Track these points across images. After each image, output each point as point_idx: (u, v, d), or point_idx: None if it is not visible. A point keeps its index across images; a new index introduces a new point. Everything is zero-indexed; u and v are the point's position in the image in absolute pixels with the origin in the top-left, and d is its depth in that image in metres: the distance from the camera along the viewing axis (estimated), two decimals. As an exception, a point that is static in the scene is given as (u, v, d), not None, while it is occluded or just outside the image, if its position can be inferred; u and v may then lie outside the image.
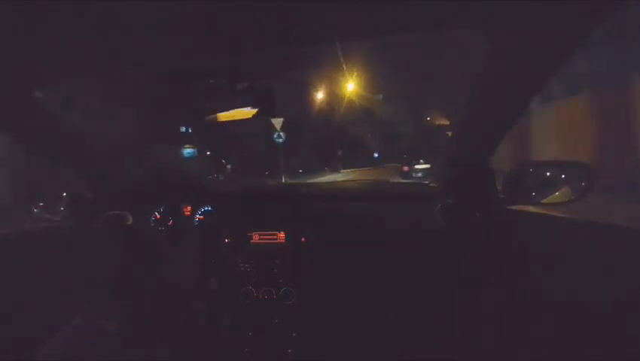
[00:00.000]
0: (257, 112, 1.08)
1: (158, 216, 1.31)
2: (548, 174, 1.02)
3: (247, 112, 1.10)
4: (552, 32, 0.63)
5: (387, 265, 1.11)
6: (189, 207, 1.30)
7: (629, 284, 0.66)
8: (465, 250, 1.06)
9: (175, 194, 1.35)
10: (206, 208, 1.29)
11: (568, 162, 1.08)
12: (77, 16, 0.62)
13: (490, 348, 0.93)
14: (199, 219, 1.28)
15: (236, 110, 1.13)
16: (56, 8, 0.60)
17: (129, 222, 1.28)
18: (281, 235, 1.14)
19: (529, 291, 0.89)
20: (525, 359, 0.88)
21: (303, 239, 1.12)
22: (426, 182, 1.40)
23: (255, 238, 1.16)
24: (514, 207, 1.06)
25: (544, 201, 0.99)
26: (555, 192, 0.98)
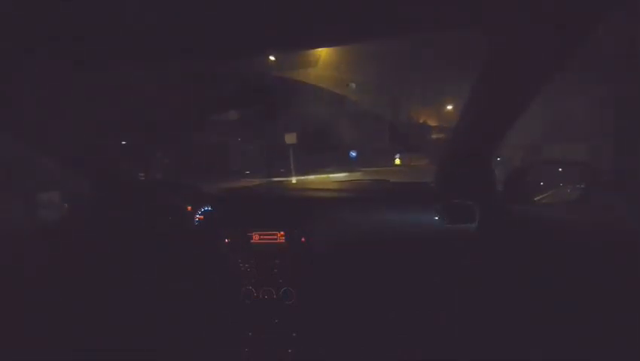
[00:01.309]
0: (259, 114, 1.05)
1: (158, 216, 1.31)
2: (548, 173, 1.02)
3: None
4: (552, 31, 0.63)
5: (387, 265, 1.11)
6: (189, 207, 1.30)
7: (628, 283, 0.66)
8: (465, 249, 1.06)
9: (175, 194, 1.35)
10: (206, 208, 1.29)
11: (569, 161, 1.08)
12: (77, 16, 0.62)
13: (490, 348, 0.93)
14: (199, 219, 1.28)
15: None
16: (56, 8, 0.60)
17: (130, 223, 1.28)
18: (281, 234, 1.14)
19: (529, 290, 0.89)
20: (524, 359, 0.88)
21: (303, 239, 1.12)
22: (426, 181, 1.40)
23: (255, 238, 1.15)
24: (515, 206, 1.06)
25: (545, 200, 0.99)
26: (555, 192, 0.99)
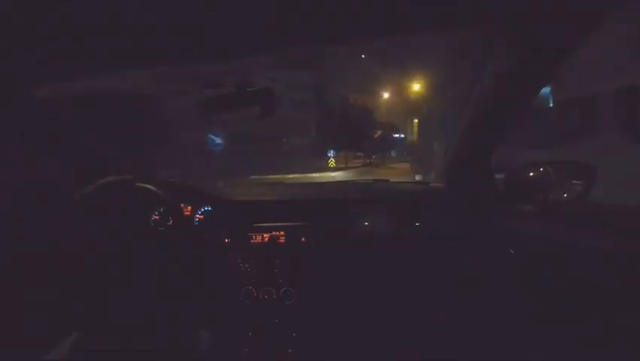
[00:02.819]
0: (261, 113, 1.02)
1: (158, 216, 1.31)
2: (548, 174, 1.02)
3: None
4: (550, 32, 0.63)
5: (387, 265, 1.11)
6: (189, 207, 1.30)
7: (628, 283, 0.66)
8: (465, 250, 1.06)
9: (175, 194, 1.35)
10: (206, 208, 1.29)
11: (569, 161, 1.07)
12: (76, 15, 0.62)
13: (490, 348, 0.93)
14: (199, 219, 1.28)
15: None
16: (56, 8, 0.60)
17: (129, 223, 1.28)
18: (281, 234, 1.14)
19: (529, 290, 0.89)
20: (524, 359, 0.88)
21: (303, 239, 1.12)
22: (427, 182, 1.40)
23: (255, 238, 1.15)
24: (515, 207, 1.06)
25: (544, 200, 0.99)
26: (555, 192, 0.98)
